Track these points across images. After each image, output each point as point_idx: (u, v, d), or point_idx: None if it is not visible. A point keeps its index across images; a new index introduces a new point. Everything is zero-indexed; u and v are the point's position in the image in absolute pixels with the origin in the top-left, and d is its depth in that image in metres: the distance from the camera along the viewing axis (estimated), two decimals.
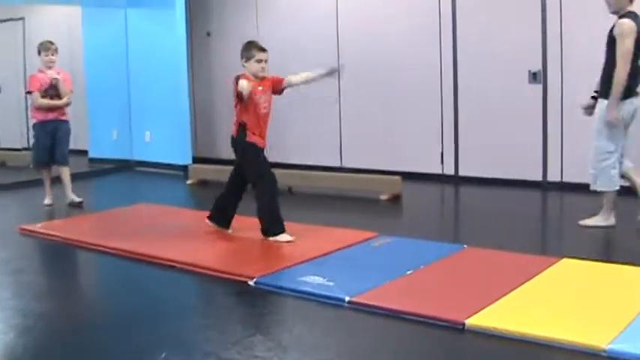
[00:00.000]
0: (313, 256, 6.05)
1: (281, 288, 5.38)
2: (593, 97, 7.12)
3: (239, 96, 6.60)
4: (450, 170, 9.96)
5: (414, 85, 10.09)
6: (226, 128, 11.80)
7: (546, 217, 8.20)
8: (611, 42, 6.85)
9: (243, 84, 6.44)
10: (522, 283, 5.22)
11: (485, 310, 4.71)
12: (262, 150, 6.90)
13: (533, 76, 9.32)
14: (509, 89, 9.43)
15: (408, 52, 10.12)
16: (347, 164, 10.65)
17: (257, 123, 6.83)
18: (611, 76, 6.83)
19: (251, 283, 5.51)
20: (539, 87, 9.31)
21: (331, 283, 5.31)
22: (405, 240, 6.48)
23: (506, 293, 5.01)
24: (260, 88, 6.75)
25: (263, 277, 5.57)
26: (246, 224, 7.18)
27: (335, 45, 10.76)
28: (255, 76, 6.74)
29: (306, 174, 9.84)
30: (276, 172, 9.78)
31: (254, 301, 5.27)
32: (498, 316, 4.63)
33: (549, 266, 5.63)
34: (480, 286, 5.23)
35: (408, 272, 5.56)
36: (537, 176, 9.28)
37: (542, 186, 9.18)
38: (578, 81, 8.72)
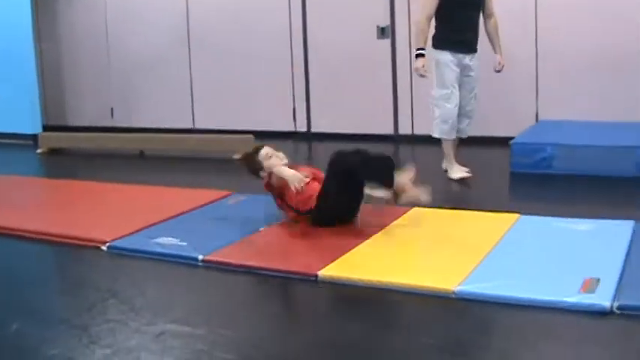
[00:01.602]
0: (166, 217, 5.99)
1: (134, 251, 5.33)
2: (422, 55, 7.13)
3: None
4: (302, 127, 10.00)
5: (263, 42, 10.04)
6: (79, 94, 11.56)
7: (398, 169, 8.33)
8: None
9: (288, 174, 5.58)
10: (374, 234, 5.32)
11: (337, 260, 4.78)
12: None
13: (382, 31, 9.42)
14: (358, 45, 9.51)
15: (257, 9, 10.05)
16: (199, 126, 10.55)
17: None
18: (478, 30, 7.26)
19: (104, 248, 5.43)
20: (388, 42, 9.42)
21: (184, 243, 5.28)
22: (259, 197, 6.46)
23: (359, 244, 5.10)
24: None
25: (116, 241, 5.49)
26: (99, 189, 7.11)
27: (184, 1, 10.59)
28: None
29: (157, 137, 9.73)
30: (127, 136, 9.77)
31: (107, 265, 5.21)
32: (351, 266, 4.72)
33: (400, 216, 5.74)
34: (332, 238, 5.30)
35: (261, 229, 5.58)
36: (389, 130, 9.42)
37: (394, 139, 9.32)
38: None
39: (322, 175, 5.73)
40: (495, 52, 7.39)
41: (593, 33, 8.38)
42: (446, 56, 7.11)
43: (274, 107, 10.05)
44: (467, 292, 4.24)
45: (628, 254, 4.74)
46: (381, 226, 5.45)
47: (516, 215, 5.62)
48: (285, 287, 4.59)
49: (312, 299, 4.48)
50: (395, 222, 5.59)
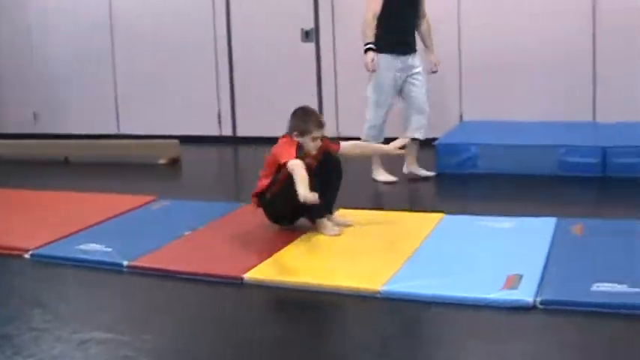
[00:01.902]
0: (91, 223, 5.90)
1: (58, 258, 5.24)
2: (372, 49, 6.96)
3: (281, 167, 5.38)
4: (228, 131, 9.96)
5: (187, 46, 9.97)
6: (0, 100, 11.34)
7: None
8: None
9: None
10: (300, 235, 5.33)
11: (263, 263, 4.78)
12: None
13: (306, 35, 9.44)
14: (283, 48, 9.51)
15: (181, 13, 9.98)
16: (124, 131, 10.44)
17: None
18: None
19: (27, 256, 5.34)
20: (312, 45, 9.45)
21: (109, 249, 5.21)
22: (184, 202, 6.44)
23: (285, 245, 5.10)
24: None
25: (39, 249, 5.39)
26: (22, 197, 7.00)
27: (107, 3, 10.47)
28: (306, 153, 5.49)
29: (82, 143, 9.61)
30: (50, 143, 9.63)
31: (31, 274, 5.11)
32: (277, 268, 4.73)
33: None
34: (257, 241, 5.30)
35: (187, 233, 5.54)
36: None
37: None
38: (350, 39, 8.94)
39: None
40: (430, 52, 7.38)
41: (515, 33, 8.51)
42: (387, 60, 7.04)
43: (199, 112, 9.99)
44: (392, 291, 4.26)
45: (550, 250, 4.82)
46: (307, 228, 5.46)
47: (441, 215, 5.68)
48: (211, 291, 4.56)
49: (238, 302, 4.45)
50: None
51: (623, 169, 6.95)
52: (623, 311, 3.97)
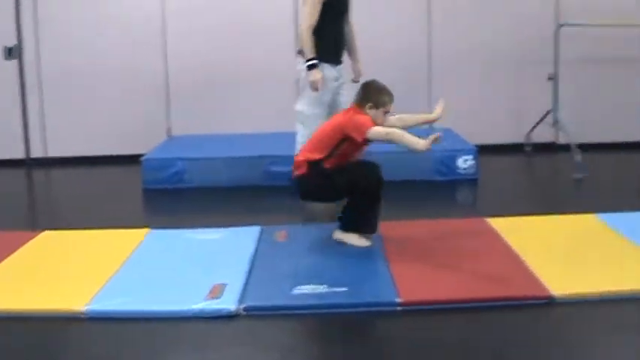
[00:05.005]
0: None
1: None
2: (317, 66, 6.35)
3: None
4: None
5: None
6: None
7: (30, 193, 8.14)
8: None
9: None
10: (2, 260, 5.15)
11: None
12: None
13: (9, 52, 9.15)
14: None
15: None
16: None
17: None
18: None
19: None
20: (16, 62, 9.17)
21: None
22: None
23: None
24: None
25: None
26: None
27: None
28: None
29: None
30: None
31: None
32: None
33: (29, 240, 5.57)
34: None
35: None
36: (20, 154, 9.14)
37: (27, 163, 9.06)
38: (56, 54, 8.82)
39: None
40: (356, 61, 6.85)
41: (221, 50, 8.72)
42: (327, 71, 6.45)
43: None
44: (96, 310, 4.25)
45: (254, 258, 5.01)
46: (10, 252, 5.29)
47: (146, 230, 5.70)
48: None
49: None
50: (23, 247, 5.42)
51: None
52: (323, 311, 4.19)
